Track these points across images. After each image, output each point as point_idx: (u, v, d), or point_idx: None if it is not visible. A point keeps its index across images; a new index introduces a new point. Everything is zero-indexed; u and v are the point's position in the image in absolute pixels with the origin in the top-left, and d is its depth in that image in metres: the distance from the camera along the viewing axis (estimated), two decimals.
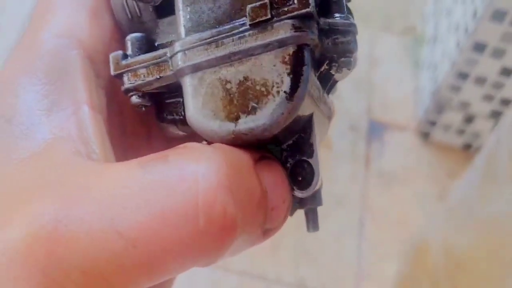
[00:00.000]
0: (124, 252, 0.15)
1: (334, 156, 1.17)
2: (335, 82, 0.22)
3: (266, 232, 0.18)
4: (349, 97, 1.24)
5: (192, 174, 0.16)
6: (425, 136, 1.21)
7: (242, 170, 0.17)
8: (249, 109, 0.18)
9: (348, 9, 0.20)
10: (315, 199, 0.22)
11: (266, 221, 0.18)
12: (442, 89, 1.09)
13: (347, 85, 1.25)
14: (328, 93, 0.22)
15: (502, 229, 0.65)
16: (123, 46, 0.21)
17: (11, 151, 0.17)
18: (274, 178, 0.18)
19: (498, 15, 0.91)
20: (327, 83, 0.21)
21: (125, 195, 0.15)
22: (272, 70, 0.18)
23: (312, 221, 0.22)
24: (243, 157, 0.18)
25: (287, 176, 0.19)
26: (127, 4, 0.21)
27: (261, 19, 0.18)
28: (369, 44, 1.32)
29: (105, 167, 0.17)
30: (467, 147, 1.19)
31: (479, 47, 0.97)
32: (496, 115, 1.09)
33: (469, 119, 1.13)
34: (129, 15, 0.21)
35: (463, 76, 1.04)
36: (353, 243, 1.08)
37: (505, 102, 1.06)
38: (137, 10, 0.21)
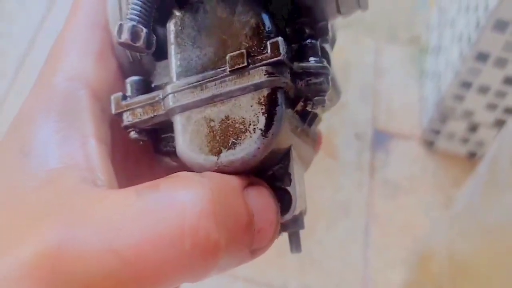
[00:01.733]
0: (119, 268, 0.16)
1: (339, 165, 1.18)
2: (316, 115, 0.24)
3: (254, 252, 0.20)
4: (354, 107, 1.25)
5: (179, 202, 0.18)
6: (429, 145, 1.21)
7: (228, 196, 0.19)
8: (230, 144, 0.20)
9: (324, 53, 0.22)
10: (297, 223, 0.24)
11: (253, 242, 0.19)
12: (446, 99, 1.10)
13: (352, 95, 1.27)
14: (310, 125, 0.24)
15: (505, 235, 0.65)
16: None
17: (27, 180, 0.19)
18: (261, 203, 0.20)
19: (501, 25, 0.92)
20: (307, 117, 0.23)
21: (121, 219, 0.17)
22: (249, 110, 0.20)
23: (294, 243, 0.24)
24: (231, 184, 0.19)
25: (275, 201, 0.21)
26: None
27: (238, 66, 0.20)
28: (374, 54, 1.34)
29: (106, 193, 0.19)
30: (472, 155, 1.20)
31: (482, 57, 0.98)
32: (499, 123, 1.09)
33: (473, 128, 1.14)
34: (130, 58, 0.23)
35: (467, 85, 1.05)
36: (359, 251, 1.09)
37: (508, 110, 1.06)
38: (138, 54, 0.23)
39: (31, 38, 1.27)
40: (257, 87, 0.20)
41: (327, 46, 0.24)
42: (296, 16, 0.23)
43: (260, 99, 0.20)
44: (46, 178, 0.19)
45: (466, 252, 0.74)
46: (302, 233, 0.24)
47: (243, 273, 1.04)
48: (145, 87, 0.23)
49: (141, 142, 0.23)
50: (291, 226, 0.24)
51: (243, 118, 0.20)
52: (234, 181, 0.20)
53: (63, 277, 0.16)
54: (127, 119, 0.22)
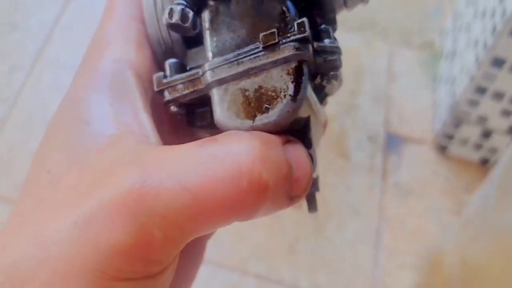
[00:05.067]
0: (190, 203, 0.20)
1: (351, 167, 1.18)
2: (326, 94, 0.27)
3: (292, 199, 0.23)
4: (367, 110, 1.25)
5: (236, 149, 0.21)
6: (442, 150, 1.21)
7: (273, 148, 0.22)
8: (263, 109, 0.24)
9: (334, 37, 0.26)
10: (314, 185, 0.27)
11: (292, 190, 0.22)
12: (460, 103, 1.10)
13: (365, 98, 1.27)
14: (321, 103, 0.27)
15: None
16: (159, 71, 0.26)
17: (90, 144, 0.22)
18: (297, 156, 0.23)
19: None
20: (320, 94, 0.26)
21: (189, 164, 0.21)
22: (279, 80, 0.24)
23: (311, 204, 0.28)
24: (273, 139, 0.23)
25: (308, 155, 0.24)
26: (162, 39, 0.27)
27: (271, 43, 0.24)
28: (388, 59, 1.34)
29: (169, 147, 0.22)
30: (484, 162, 1.20)
31: (498, 62, 0.98)
32: None
33: (486, 134, 1.14)
34: (163, 47, 0.27)
35: (482, 90, 1.05)
36: (370, 252, 1.09)
37: None
38: (170, 43, 0.27)
39: (48, 32, 1.28)
40: (286, 60, 0.23)
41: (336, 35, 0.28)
42: (309, 9, 0.26)
43: (289, 71, 0.23)
44: (107, 141, 0.22)
45: (478, 257, 0.74)
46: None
47: (254, 269, 1.04)
48: (182, 68, 0.26)
49: (179, 116, 0.26)
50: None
51: (275, 87, 0.23)
52: (276, 138, 0.23)
53: (145, 210, 0.19)
54: (169, 94, 0.25)
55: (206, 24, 0.25)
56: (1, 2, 1.34)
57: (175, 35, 0.26)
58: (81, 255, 0.19)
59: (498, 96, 1.04)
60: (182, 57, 0.27)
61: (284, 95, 0.23)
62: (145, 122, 0.23)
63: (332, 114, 1.23)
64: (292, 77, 0.23)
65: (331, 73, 0.25)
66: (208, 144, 0.21)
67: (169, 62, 0.26)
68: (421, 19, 1.42)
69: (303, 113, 0.24)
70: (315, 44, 0.24)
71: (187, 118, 0.27)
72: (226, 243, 1.06)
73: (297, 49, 0.23)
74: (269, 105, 0.23)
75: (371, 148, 1.20)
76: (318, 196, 0.28)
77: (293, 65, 0.23)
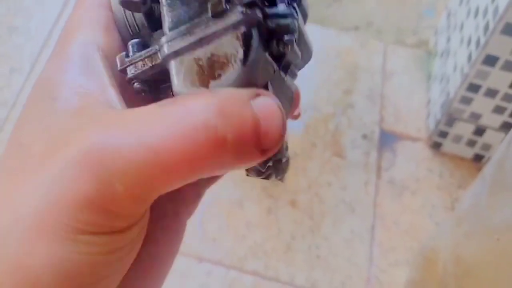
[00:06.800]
0: (151, 158, 0.21)
1: (347, 164, 1.19)
2: (289, 63, 0.28)
3: (264, 152, 0.23)
4: (362, 108, 1.26)
5: (193, 107, 0.22)
6: (436, 147, 1.23)
7: (235, 104, 0.22)
8: (216, 76, 0.24)
9: (293, 7, 0.27)
10: (280, 152, 0.28)
11: (261, 143, 0.23)
12: (454, 101, 1.11)
13: (360, 96, 1.28)
14: (285, 72, 0.28)
15: (511, 236, 0.66)
16: None
17: (58, 116, 0.23)
18: (266, 108, 0.23)
19: (509, 29, 0.93)
20: (281, 61, 0.27)
21: (148, 122, 0.22)
22: (230, 46, 0.24)
23: (277, 171, 0.28)
24: (237, 94, 0.23)
25: (280, 109, 0.24)
26: (129, 23, 0.28)
27: (218, 10, 0.24)
28: (383, 57, 1.35)
29: (132, 109, 0.23)
30: (478, 158, 1.21)
31: (491, 60, 1.00)
32: (507, 127, 1.11)
33: (480, 131, 1.15)
34: (130, 32, 0.28)
35: (475, 88, 1.06)
36: (365, 249, 1.10)
37: None
38: (136, 28, 0.28)
39: (47, 34, 1.29)
40: (234, 26, 0.24)
41: (298, 10, 0.28)
42: None
43: (238, 36, 0.24)
44: (74, 111, 0.23)
45: (472, 254, 0.74)
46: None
47: (251, 267, 1.05)
48: (144, 47, 0.27)
49: (143, 93, 0.27)
50: (274, 155, 0.27)
51: (226, 53, 0.24)
52: (242, 93, 0.23)
53: (107, 167, 0.20)
54: (130, 72, 0.26)
55: (163, 1, 0.26)
56: (2, 6, 1.35)
57: (140, 20, 0.27)
58: (49, 211, 0.20)
59: (491, 93, 1.06)
60: (148, 42, 0.27)
61: (235, 60, 0.24)
62: (112, 96, 0.24)
63: (327, 113, 1.25)
64: (241, 41, 0.24)
65: (286, 37, 0.25)
66: (168, 103, 0.22)
67: (131, 42, 0.27)
68: (416, 18, 1.43)
69: (259, 78, 0.25)
70: (268, 10, 0.25)
71: (152, 94, 0.28)
72: (223, 241, 1.08)
73: (243, 13, 0.24)
74: (221, 71, 0.24)
75: (366, 146, 1.22)
76: (289, 170, 0.28)
77: (242, 30, 0.24)
